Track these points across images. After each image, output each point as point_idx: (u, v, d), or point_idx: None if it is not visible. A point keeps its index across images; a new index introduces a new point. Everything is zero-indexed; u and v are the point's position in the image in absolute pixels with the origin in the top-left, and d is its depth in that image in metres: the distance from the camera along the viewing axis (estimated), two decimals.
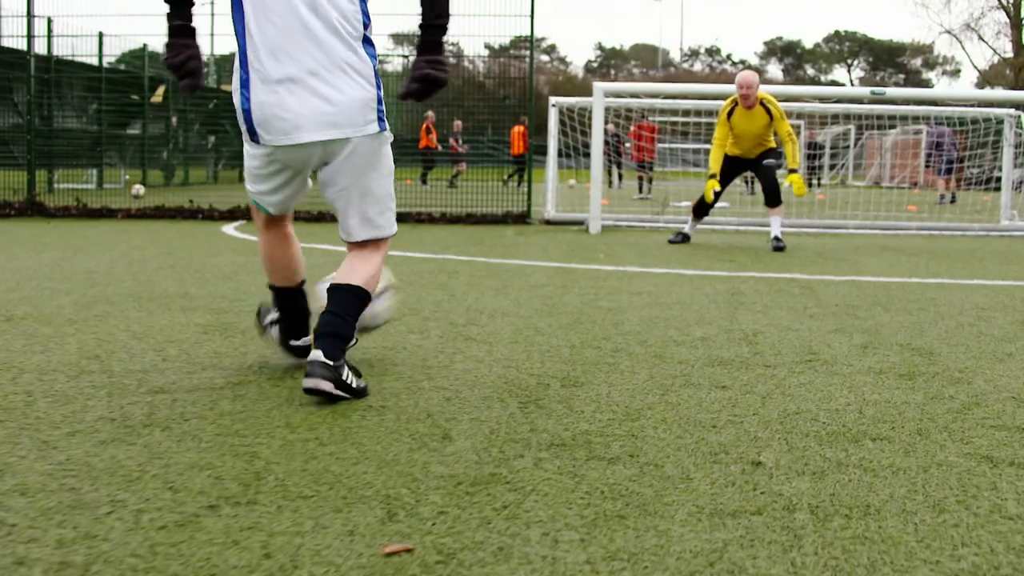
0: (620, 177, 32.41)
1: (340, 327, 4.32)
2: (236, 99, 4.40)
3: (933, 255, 11.65)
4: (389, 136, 4.55)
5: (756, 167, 12.41)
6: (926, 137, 30.45)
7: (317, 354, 4.19)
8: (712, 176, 12.18)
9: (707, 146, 35.80)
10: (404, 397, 4.36)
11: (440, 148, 25.36)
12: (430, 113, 21.43)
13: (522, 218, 15.90)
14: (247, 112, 4.36)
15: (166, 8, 4.47)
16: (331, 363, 4.19)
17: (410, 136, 21.92)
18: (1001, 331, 6.32)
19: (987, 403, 4.41)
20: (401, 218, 15.66)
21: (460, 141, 28.53)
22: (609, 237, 13.45)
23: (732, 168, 12.42)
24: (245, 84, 4.35)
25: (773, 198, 12.27)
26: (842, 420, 4.07)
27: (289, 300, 4.93)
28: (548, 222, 15.72)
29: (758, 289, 8.20)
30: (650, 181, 26.81)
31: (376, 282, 4.58)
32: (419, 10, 4.48)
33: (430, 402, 4.28)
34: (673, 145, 35.11)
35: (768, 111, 11.93)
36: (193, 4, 4.52)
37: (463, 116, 21.55)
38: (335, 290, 4.43)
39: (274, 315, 5.03)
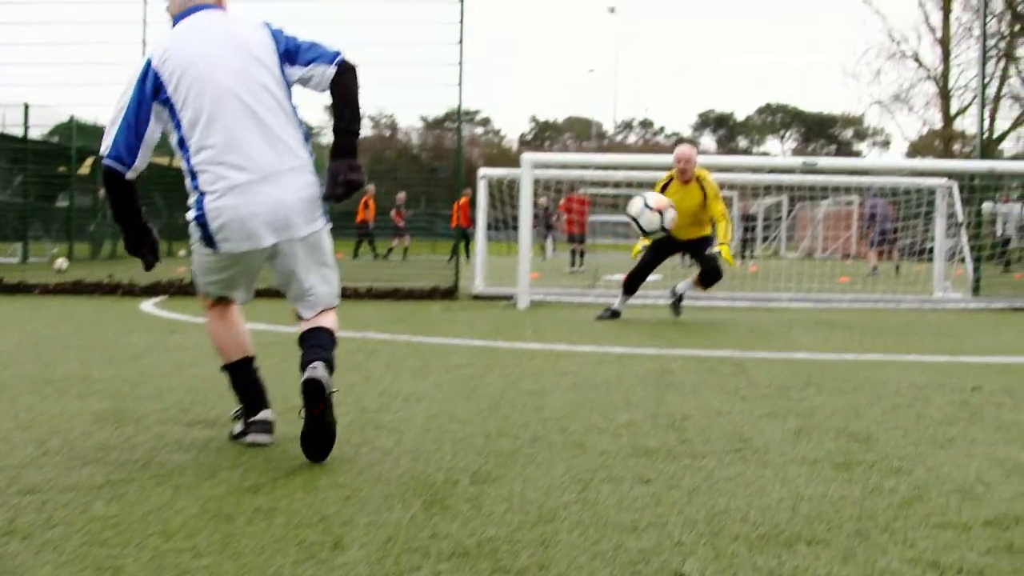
0: (553, 249, 32.22)
1: (330, 356, 4.79)
2: (191, 213, 4.71)
3: (867, 329, 11.42)
4: (328, 225, 4.99)
5: (696, 253, 12.10)
6: (863, 208, 30.51)
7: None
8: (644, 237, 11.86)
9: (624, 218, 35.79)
10: (299, 497, 3.99)
11: (371, 226, 25.10)
12: (370, 187, 21.15)
13: (450, 293, 15.55)
14: (202, 221, 4.68)
15: (119, 199, 4.84)
16: (329, 373, 4.66)
17: (341, 210, 21.61)
18: (940, 413, 6.04)
19: (930, 497, 4.09)
20: None
21: (403, 212, 28.32)
22: (538, 312, 13.13)
23: (665, 247, 12.09)
24: (201, 196, 4.67)
25: (709, 282, 11.95)
26: (774, 519, 3.74)
27: (244, 374, 5.11)
28: (477, 297, 15.40)
29: (688, 368, 7.89)
30: (582, 255, 26.58)
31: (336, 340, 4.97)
32: (336, 114, 4.85)
33: (326, 503, 3.91)
34: (605, 218, 35.00)
35: (703, 189, 11.67)
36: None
37: (396, 188, 21.33)
38: (309, 332, 4.87)
39: (238, 411, 5.16)
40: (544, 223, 29.71)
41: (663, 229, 11.43)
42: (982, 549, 3.44)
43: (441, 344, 9.39)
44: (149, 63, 4.73)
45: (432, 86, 15.75)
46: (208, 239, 4.71)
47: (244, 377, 5.13)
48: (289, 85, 4.87)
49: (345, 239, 20.83)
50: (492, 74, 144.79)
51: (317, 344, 4.79)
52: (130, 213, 4.86)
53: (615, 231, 36.92)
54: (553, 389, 6.75)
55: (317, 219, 4.84)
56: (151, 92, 4.70)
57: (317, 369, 4.58)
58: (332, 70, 4.80)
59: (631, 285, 12.36)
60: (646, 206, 11.41)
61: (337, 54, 4.83)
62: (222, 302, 5.10)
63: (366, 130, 19.26)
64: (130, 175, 4.73)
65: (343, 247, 19.02)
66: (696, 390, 6.78)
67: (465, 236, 26.27)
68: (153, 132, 4.74)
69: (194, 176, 4.70)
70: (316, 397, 4.56)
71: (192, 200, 4.71)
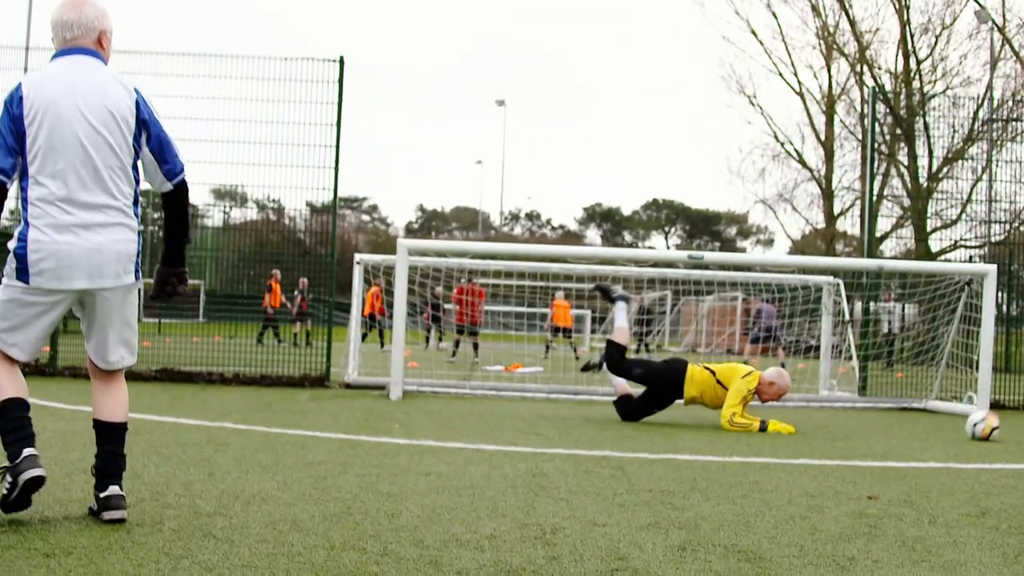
0: (440, 338, 31.49)
1: (123, 463, 5.15)
2: (12, 243, 4.89)
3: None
4: (141, 283, 5.22)
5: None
6: (747, 303, 30.40)
7: (115, 489, 4.98)
8: None
9: (524, 309, 35.29)
10: None
11: (272, 311, 24.42)
12: (276, 271, 20.46)
13: (320, 381, 14.84)
14: (22, 253, 4.87)
15: None
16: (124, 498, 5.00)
17: (225, 291, 20.84)
18: (837, 526, 5.49)
19: None
20: (189, 378, 14.57)
21: (307, 298, 27.71)
22: (410, 404, 12.46)
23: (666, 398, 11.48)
24: (26, 227, 4.88)
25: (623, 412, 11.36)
26: None
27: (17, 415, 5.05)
28: (348, 386, 14.69)
29: (563, 470, 7.29)
30: (476, 347, 25.84)
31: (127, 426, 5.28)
32: (169, 224, 5.33)
33: None
34: (491, 308, 34.43)
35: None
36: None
37: (281, 271, 20.64)
38: (110, 429, 5.16)
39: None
40: (426, 315, 29.15)
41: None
42: None
43: (300, 437, 8.69)
44: (19, 88, 4.95)
45: (310, 167, 15.10)
46: (23, 271, 4.88)
47: (17, 417, 5.06)
48: (136, 154, 5.11)
49: (249, 322, 20.16)
50: (379, 162, 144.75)
51: (113, 450, 5.15)
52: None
53: (504, 322, 36.40)
54: (413, 492, 6.09)
55: (130, 274, 5.08)
56: (14, 115, 4.90)
57: (121, 509, 4.95)
58: (170, 186, 5.20)
59: (628, 406, 11.55)
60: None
61: (183, 170, 5.22)
62: (6, 361, 5.07)
63: (252, 213, 18.75)
64: (10, 184, 4.92)
65: (218, 330, 18.20)
66: (571, 495, 6.18)
67: (377, 324, 26.23)
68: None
69: (26, 207, 4.92)
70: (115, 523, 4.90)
71: (18, 231, 4.92)
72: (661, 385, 11.18)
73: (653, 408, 11.24)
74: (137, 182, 5.16)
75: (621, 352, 11.39)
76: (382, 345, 27.75)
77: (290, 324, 28.78)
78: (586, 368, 12.35)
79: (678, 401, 11.39)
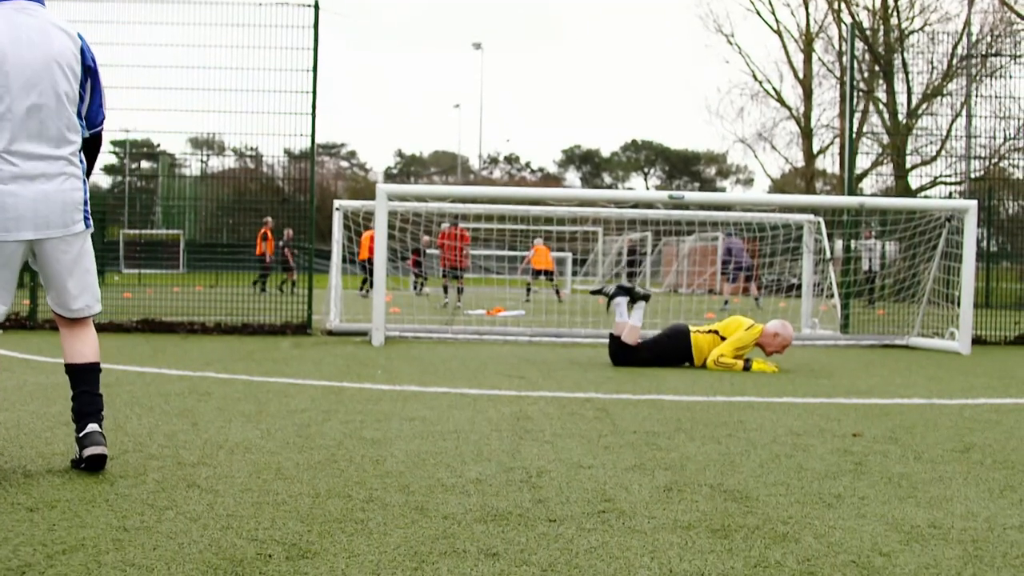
0: (422, 286, 31.41)
1: (100, 403, 5.14)
2: None
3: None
4: (91, 229, 5.20)
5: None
6: (720, 245, 30.41)
7: (94, 427, 5.01)
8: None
9: (504, 252, 35.22)
10: None
11: (271, 259, 24.37)
12: (268, 219, 20.36)
13: (302, 328, 14.79)
14: None
15: None
16: (104, 436, 5.02)
17: (204, 240, 20.72)
18: (822, 464, 5.49)
19: (823, 571, 3.51)
20: (171, 328, 14.51)
21: (292, 250, 27.68)
22: (392, 350, 12.44)
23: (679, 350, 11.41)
24: None
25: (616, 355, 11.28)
26: None
27: None
28: (330, 333, 14.64)
29: (548, 412, 7.28)
30: (460, 291, 25.77)
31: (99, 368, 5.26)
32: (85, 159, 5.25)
33: None
34: (473, 252, 34.38)
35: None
36: None
37: (260, 219, 20.50)
38: (82, 370, 5.16)
39: None
40: (402, 259, 29.10)
41: None
42: None
43: (283, 385, 8.66)
44: None
45: (287, 114, 14.96)
46: None
47: None
48: (81, 100, 5.12)
49: (230, 271, 20.12)
50: (358, 108, 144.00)
51: (88, 390, 5.14)
52: None
53: (485, 266, 36.40)
54: (397, 438, 6.07)
55: (79, 222, 5.07)
56: None
57: (100, 445, 4.97)
58: (87, 133, 5.23)
59: (622, 351, 11.37)
60: None
61: (103, 120, 5.30)
62: None
63: (231, 161, 18.65)
64: None
65: (201, 280, 18.08)
66: (556, 438, 6.17)
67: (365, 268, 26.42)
68: None
69: None
70: (100, 465, 4.98)
71: None
72: (670, 359, 11.14)
73: (648, 362, 11.16)
74: (82, 128, 5.16)
75: (629, 349, 11.21)
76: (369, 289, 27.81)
77: (278, 273, 28.69)
78: (598, 292, 12.10)
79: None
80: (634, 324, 11.23)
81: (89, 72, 5.12)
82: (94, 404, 5.10)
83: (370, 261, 25.57)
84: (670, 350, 11.14)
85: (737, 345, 10.77)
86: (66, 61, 4.98)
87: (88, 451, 4.92)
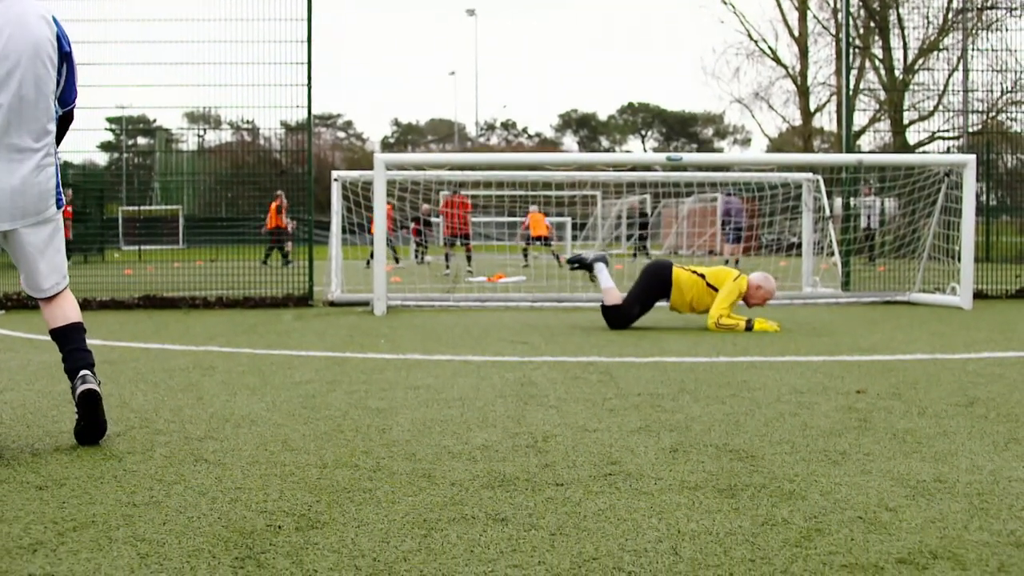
0: (423, 254, 31.36)
1: (90, 357, 5.17)
2: None
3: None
4: (63, 208, 5.24)
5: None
6: (720, 205, 30.41)
7: (86, 372, 5.06)
8: None
9: (504, 219, 35.20)
10: (85, 557, 3.29)
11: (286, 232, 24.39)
12: (280, 192, 20.32)
13: (304, 300, 14.81)
14: None
15: None
16: (98, 382, 5.10)
17: (203, 215, 20.72)
18: (827, 422, 5.51)
19: (830, 528, 3.53)
20: (172, 304, 14.52)
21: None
22: (395, 319, 12.46)
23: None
24: None
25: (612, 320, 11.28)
26: (653, 566, 3.14)
27: None
28: (332, 303, 14.66)
29: (552, 377, 7.29)
30: (468, 258, 25.75)
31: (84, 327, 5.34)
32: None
33: (117, 564, 3.22)
34: (472, 219, 34.35)
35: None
36: None
37: (258, 192, 20.47)
38: (67, 331, 5.22)
39: None
40: (400, 227, 29.11)
41: None
42: None
43: (286, 357, 8.67)
44: None
45: (283, 86, 14.94)
46: None
47: None
48: (57, 86, 5.13)
49: (230, 245, 20.08)
50: (353, 78, 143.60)
51: (75, 347, 5.18)
52: None
53: (485, 233, 36.37)
54: (402, 407, 6.09)
55: (51, 207, 5.12)
56: None
57: (91, 384, 5.02)
58: (70, 107, 5.28)
59: (617, 314, 11.29)
60: None
61: (75, 100, 5.30)
62: None
63: (227, 135, 18.62)
64: None
65: (200, 255, 18.06)
66: (560, 403, 6.18)
67: (389, 241, 26.93)
68: None
69: None
70: (93, 406, 5.01)
71: None
72: (654, 295, 11.14)
73: (641, 312, 11.17)
74: (56, 114, 5.17)
75: (618, 309, 11.20)
76: (397, 260, 28.91)
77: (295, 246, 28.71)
78: (572, 262, 12.06)
79: (661, 304, 11.38)
80: (607, 286, 11.25)
81: (65, 57, 5.14)
82: (84, 359, 5.13)
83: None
84: (652, 285, 11.13)
85: (730, 300, 10.76)
86: (45, 51, 4.98)
87: (80, 388, 4.98)
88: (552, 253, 30.82)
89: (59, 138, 5.31)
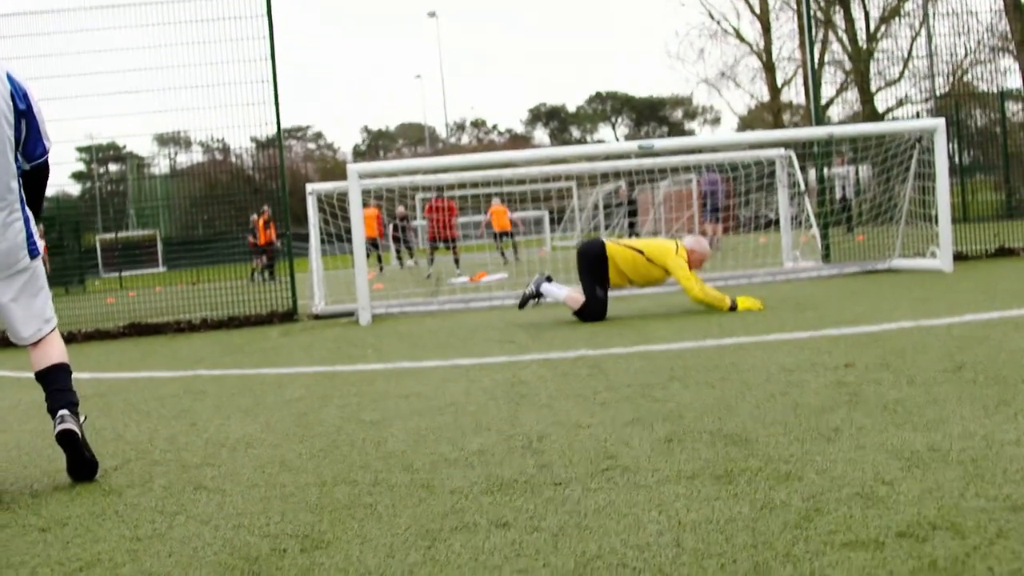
0: (404, 259, 31.33)
1: (72, 396, 5.13)
2: None
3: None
4: (39, 256, 5.23)
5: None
6: (700, 187, 30.41)
7: (64, 411, 5.00)
8: None
9: (481, 218, 35.20)
10: None
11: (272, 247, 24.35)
12: (267, 207, 20.29)
13: (289, 316, 14.82)
14: None
15: None
16: (77, 420, 5.03)
17: (181, 237, 20.72)
18: (818, 399, 5.55)
19: (828, 507, 3.56)
20: (157, 329, 14.50)
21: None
22: (381, 327, 12.46)
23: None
24: None
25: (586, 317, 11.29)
26: (656, 561, 3.16)
27: None
28: (317, 316, 14.68)
29: (541, 375, 7.32)
30: (456, 261, 25.73)
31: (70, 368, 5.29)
32: (31, 195, 5.26)
33: None
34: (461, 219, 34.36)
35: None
36: None
37: (234, 210, 20.46)
38: (49, 372, 5.17)
39: None
40: (389, 235, 29.09)
41: None
42: (904, 573, 2.90)
43: (276, 375, 8.69)
44: None
45: (250, 105, 14.94)
46: None
47: None
48: (16, 145, 5.05)
49: (210, 266, 19.99)
50: (320, 89, 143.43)
51: (58, 388, 5.14)
52: None
53: (464, 233, 36.36)
54: (395, 417, 6.11)
55: (26, 256, 5.13)
56: None
57: (68, 424, 4.97)
58: (28, 166, 5.16)
59: (588, 310, 11.22)
60: None
61: (46, 152, 5.21)
62: None
63: (199, 156, 18.61)
64: None
65: (181, 277, 18.08)
66: (552, 400, 6.21)
67: (379, 248, 28.27)
68: None
69: None
70: (72, 445, 4.97)
71: None
72: (601, 271, 11.12)
73: (605, 291, 11.14)
74: (21, 169, 5.12)
75: (587, 305, 11.20)
76: (381, 269, 28.92)
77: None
78: (524, 303, 12.05)
79: (638, 292, 11.41)
80: (564, 296, 11.28)
81: (22, 115, 5.04)
82: (65, 398, 5.09)
83: (372, 240, 25.72)
84: (595, 263, 11.20)
85: (687, 271, 10.82)
86: (2, 112, 4.92)
87: (58, 428, 4.96)
88: (512, 247, 30.79)
89: (38, 191, 5.31)
